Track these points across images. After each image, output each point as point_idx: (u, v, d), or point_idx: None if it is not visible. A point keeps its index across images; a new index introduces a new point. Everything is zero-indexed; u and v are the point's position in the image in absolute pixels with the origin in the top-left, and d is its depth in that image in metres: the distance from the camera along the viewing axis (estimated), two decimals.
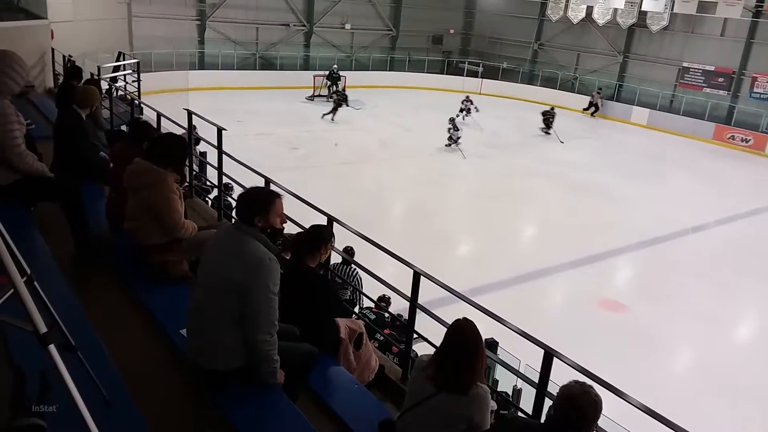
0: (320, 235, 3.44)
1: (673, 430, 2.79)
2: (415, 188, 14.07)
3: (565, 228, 12.18)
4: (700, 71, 23.96)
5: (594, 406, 2.33)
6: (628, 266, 10.95)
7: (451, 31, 31.74)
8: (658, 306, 9.03)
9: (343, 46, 28.23)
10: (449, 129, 17.36)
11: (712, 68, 23.55)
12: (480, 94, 27.80)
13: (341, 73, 23.63)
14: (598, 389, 2.53)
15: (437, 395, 2.52)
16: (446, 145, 17.28)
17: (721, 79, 23.43)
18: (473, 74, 29.32)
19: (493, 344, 3.96)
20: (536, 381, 3.18)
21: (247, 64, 25.19)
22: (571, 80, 27.64)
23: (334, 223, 4.46)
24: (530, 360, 3.42)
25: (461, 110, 20.54)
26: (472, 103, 20.87)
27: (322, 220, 4.31)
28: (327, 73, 23.65)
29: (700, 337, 8.45)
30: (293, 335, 2.96)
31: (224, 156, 5.64)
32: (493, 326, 3.52)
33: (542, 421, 2.73)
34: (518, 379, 3.61)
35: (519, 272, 9.55)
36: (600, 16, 25.84)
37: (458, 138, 17.13)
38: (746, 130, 22.05)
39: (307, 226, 3.76)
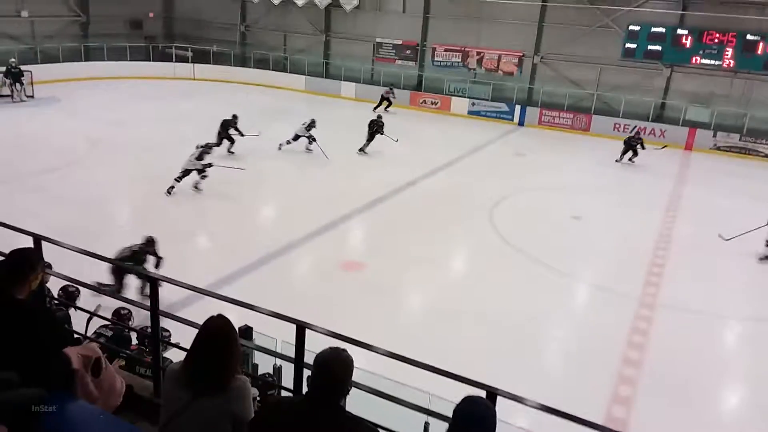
0: (24, 262, 2.95)
1: (414, 365, 3.18)
2: (137, 186, 12.95)
3: (300, 203, 12.69)
4: (391, 45, 26.84)
5: (345, 366, 2.50)
6: (359, 228, 11.91)
7: (151, 15, 29.65)
8: (389, 258, 10.08)
9: (24, 36, 24.20)
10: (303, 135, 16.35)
11: (400, 42, 26.58)
12: (194, 79, 26.79)
13: (23, 67, 20.25)
14: (350, 348, 2.74)
15: (196, 401, 2.43)
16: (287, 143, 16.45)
17: (408, 51, 26.62)
18: (183, 59, 27.98)
19: (247, 330, 3.96)
20: (293, 356, 3.29)
21: None
22: (282, 61, 28.35)
23: (47, 243, 3.89)
24: (287, 336, 3.51)
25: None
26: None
27: (28, 242, 3.72)
28: (4, 69, 19.99)
29: (427, 279, 9.70)
30: (11, 382, 2.51)
31: None
32: (246, 313, 3.51)
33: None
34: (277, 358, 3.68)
35: (263, 254, 9.65)
36: None
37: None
38: (434, 94, 25.59)
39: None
